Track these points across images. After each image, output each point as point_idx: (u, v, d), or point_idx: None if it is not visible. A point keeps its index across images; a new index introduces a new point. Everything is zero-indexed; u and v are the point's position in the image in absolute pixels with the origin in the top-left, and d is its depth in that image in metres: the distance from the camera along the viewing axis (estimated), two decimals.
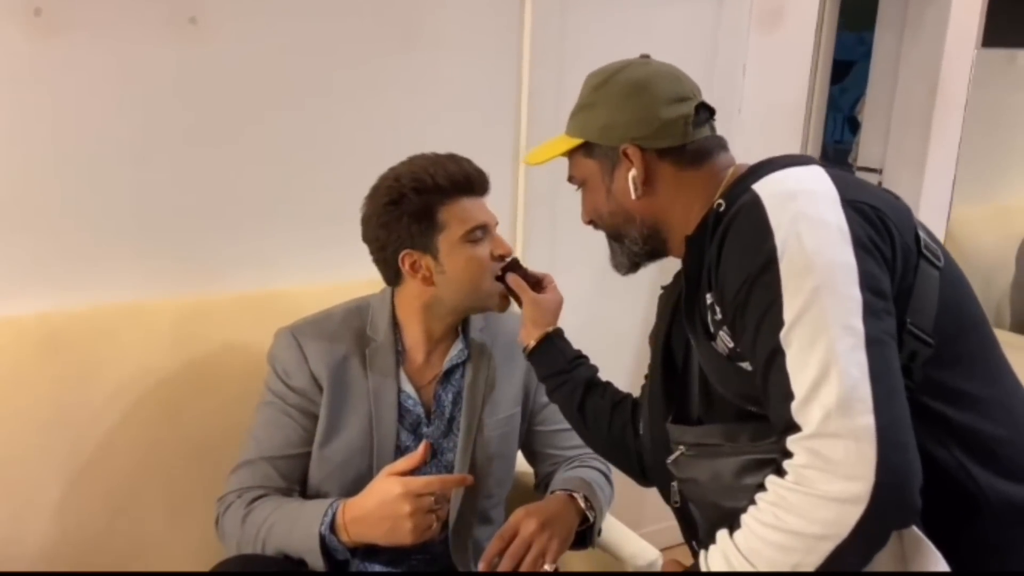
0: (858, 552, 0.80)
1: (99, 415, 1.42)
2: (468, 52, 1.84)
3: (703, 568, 0.89)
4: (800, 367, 0.81)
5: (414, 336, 1.36)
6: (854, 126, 3.78)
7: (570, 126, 1.11)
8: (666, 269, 1.17)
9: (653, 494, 2.13)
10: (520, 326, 1.31)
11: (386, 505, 1.14)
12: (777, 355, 0.83)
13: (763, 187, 0.91)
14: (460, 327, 1.40)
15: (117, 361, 1.44)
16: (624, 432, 1.24)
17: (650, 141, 1.04)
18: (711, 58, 2.20)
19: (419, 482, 1.14)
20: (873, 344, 0.80)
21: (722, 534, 0.88)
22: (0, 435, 1.35)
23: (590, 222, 1.15)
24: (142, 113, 1.51)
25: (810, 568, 0.80)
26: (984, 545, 0.89)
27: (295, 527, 1.20)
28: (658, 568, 1.39)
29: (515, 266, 1.31)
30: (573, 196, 1.16)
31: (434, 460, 1.35)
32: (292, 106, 1.65)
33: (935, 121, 2.59)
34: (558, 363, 1.27)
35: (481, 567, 1.17)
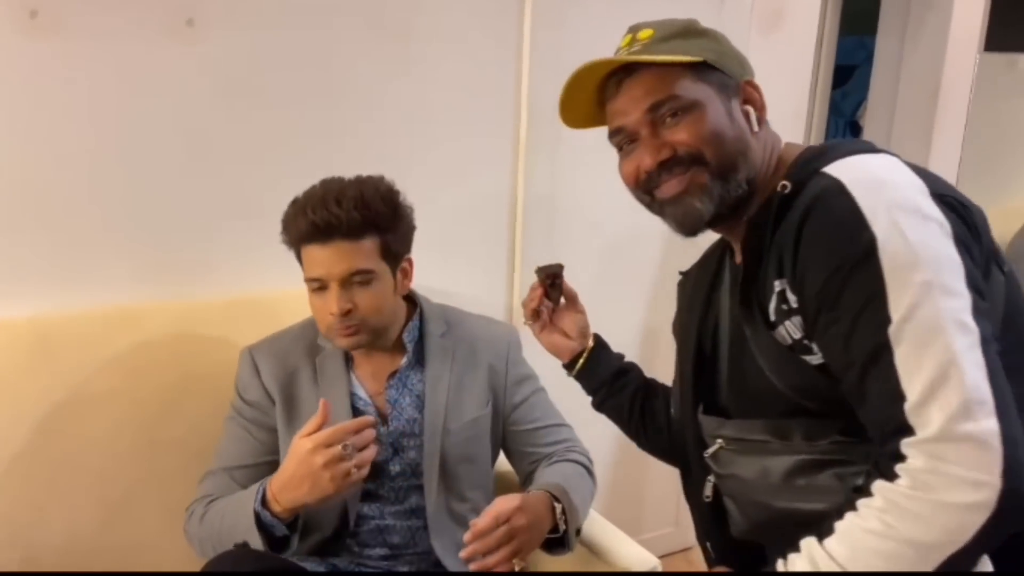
0: (971, 559, 0.77)
1: (91, 418, 1.41)
2: (466, 53, 1.83)
3: None
4: (914, 366, 0.77)
5: None
6: (856, 131, 3.77)
7: (674, 47, 0.95)
8: (669, 263, 1.14)
9: (652, 501, 2.10)
10: (547, 335, 1.27)
11: (302, 464, 1.16)
12: (883, 352, 0.79)
13: (842, 172, 0.86)
14: (407, 337, 1.40)
15: (109, 364, 1.43)
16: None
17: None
18: None
19: (324, 433, 1.16)
20: (987, 343, 0.78)
21: (808, 542, 0.84)
22: None
23: (682, 153, 0.95)
24: (137, 115, 1.50)
25: None
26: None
27: (239, 511, 1.24)
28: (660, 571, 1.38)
29: (559, 273, 1.25)
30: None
31: (397, 457, 1.37)
32: (290, 108, 1.64)
33: (937, 125, 2.58)
34: (612, 370, 1.24)
35: (467, 538, 1.16)
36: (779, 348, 0.90)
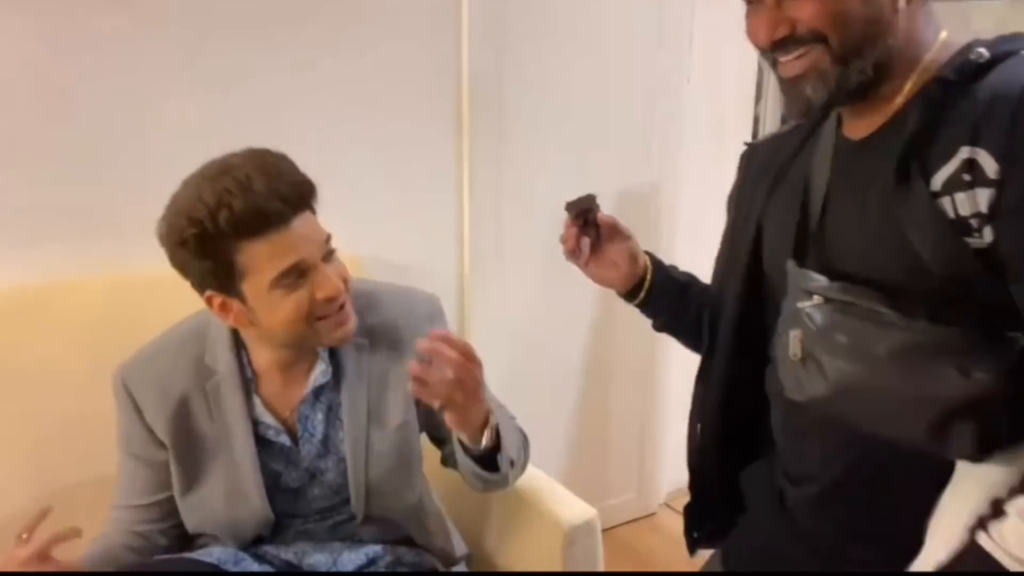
0: None
1: (23, 392, 1.40)
2: (404, 31, 1.81)
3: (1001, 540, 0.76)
4: None
5: (264, 360, 1.20)
6: None
7: None
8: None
9: (615, 468, 2.02)
10: (594, 269, 1.18)
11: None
12: None
13: None
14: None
15: (45, 338, 1.41)
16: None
17: None
18: (658, 25, 2.18)
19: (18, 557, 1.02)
20: None
21: (1018, 503, 0.76)
22: None
23: (801, 32, 0.88)
24: (65, 82, 1.48)
25: None
26: None
27: None
28: (595, 526, 1.36)
29: (590, 208, 1.14)
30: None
31: (313, 481, 1.24)
32: (216, 82, 1.62)
33: None
34: (673, 295, 1.20)
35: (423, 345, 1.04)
36: (940, 221, 0.82)
